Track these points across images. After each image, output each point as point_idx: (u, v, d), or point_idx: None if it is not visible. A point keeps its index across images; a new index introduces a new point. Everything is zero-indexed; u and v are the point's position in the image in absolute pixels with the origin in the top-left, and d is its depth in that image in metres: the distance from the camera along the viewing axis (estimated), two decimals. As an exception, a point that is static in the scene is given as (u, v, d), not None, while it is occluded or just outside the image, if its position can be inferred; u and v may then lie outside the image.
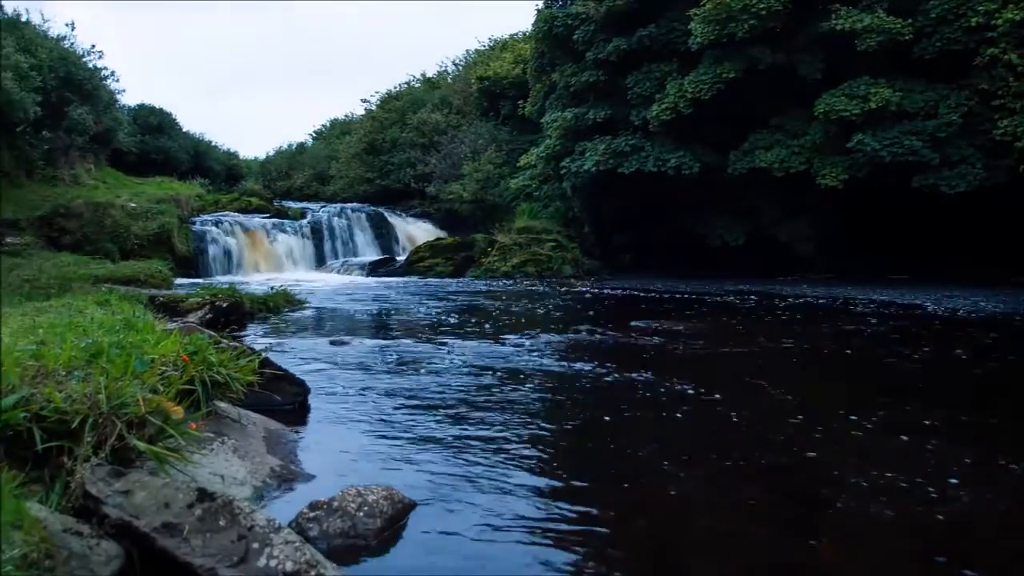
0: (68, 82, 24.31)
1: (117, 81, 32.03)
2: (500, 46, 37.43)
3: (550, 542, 3.21)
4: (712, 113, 19.97)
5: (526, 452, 4.45)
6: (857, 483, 3.95)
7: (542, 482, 3.95)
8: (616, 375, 6.87)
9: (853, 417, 5.32)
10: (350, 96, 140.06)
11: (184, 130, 44.93)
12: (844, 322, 11.26)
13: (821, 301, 14.56)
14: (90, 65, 26.25)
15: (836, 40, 18.28)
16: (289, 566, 2.57)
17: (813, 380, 7.42)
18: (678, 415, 5.41)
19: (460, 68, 41.63)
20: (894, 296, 15.24)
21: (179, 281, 17.66)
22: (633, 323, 10.74)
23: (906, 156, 17.24)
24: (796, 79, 19.25)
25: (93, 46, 27.97)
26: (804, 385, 7.02)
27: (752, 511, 3.63)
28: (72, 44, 26.20)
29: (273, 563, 2.57)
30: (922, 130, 17.46)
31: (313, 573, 2.56)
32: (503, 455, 4.37)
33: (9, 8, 25.58)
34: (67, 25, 43.23)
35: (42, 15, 47.28)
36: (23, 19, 25.36)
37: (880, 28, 17.52)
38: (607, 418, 5.35)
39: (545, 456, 4.43)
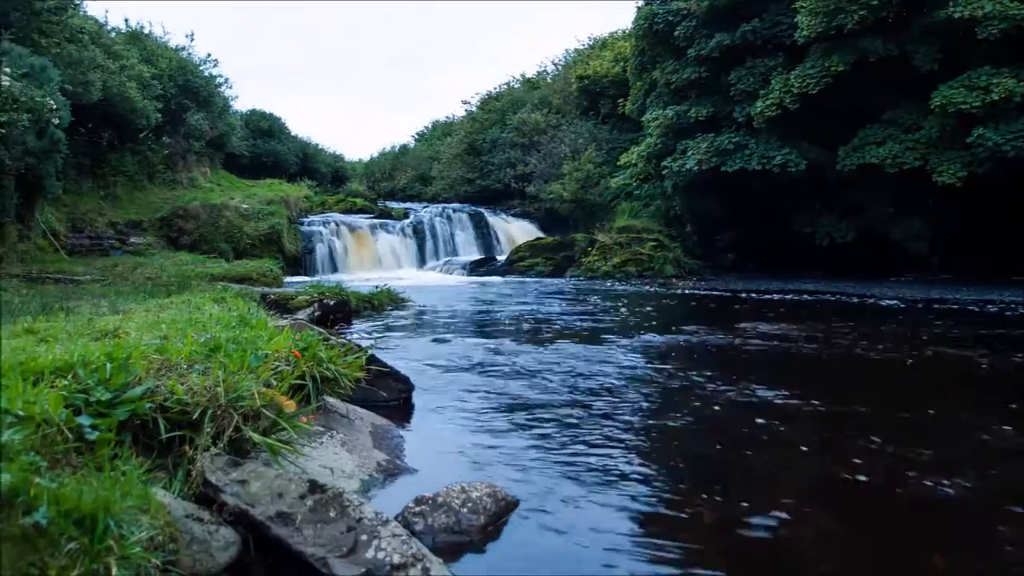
0: (186, 90, 25.52)
1: (230, 88, 33.51)
2: (600, 44, 37.28)
3: (652, 546, 3.18)
4: (819, 108, 19.37)
5: (629, 455, 4.42)
6: (984, 500, 3.77)
7: (645, 486, 3.91)
8: (721, 379, 6.74)
9: (984, 432, 5.07)
10: (451, 98, 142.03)
11: (292, 134, 46.42)
12: (974, 329, 10.74)
13: (944, 304, 13.92)
14: (206, 73, 27.45)
15: (954, 28, 17.43)
16: (396, 559, 2.62)
17: (939, 390, 7.10)
18: (788, 421, 5.26)
19: (560, 68, 41.68)
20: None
21: (288, 279, 18.31)
22: (738, 324, 10.52)
23: (1032, 150, 16.29)
24: (910, 71, 18.45)
25: (209, 55, 29.42)
26: (930, 395, 6.73)
27: (866, 524, 3.50)
28: (190, 54, 27.47)
29: (381, 555, 2.62)
30: (1050, 122, 16.46)
31: (419, 567, 2.61)
32: (606, 457, 4.35)
33: (134, 20, 27.00)
34: (187, 36, 45.51)
35: (163, 27, 49.87)
36: (146, 31, 26.74)
37: (1003, 15, 16.59)
38: (712, 422, 5.25)
39: (648, 460, 4.38)
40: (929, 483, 3.93)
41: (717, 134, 21.24)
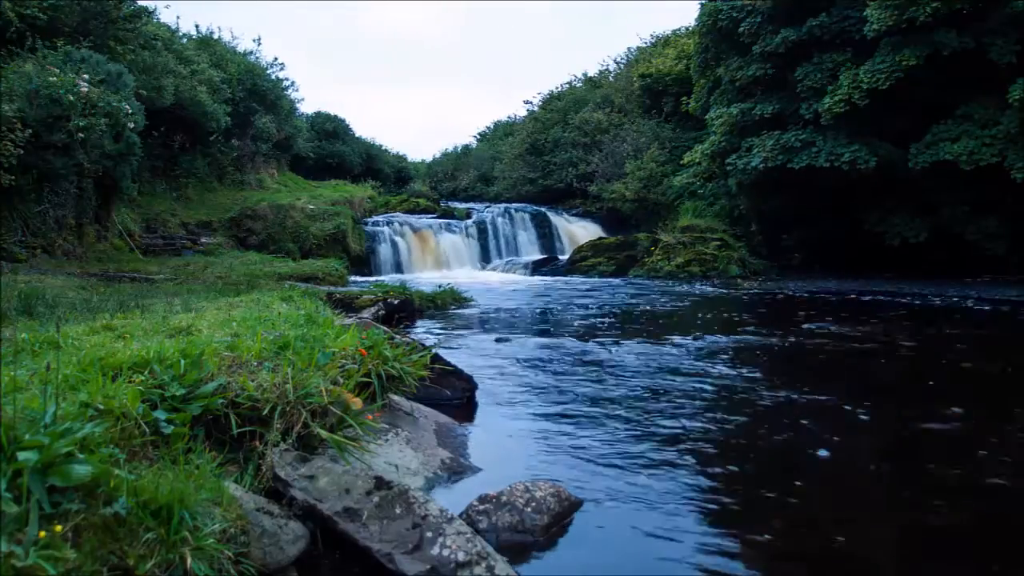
0: (254, 93, 26.08)
1: (296, 91, 34.21)
2: (662, 42, 36.85)
3: (716, 548, 3.15)
4: (890, 104, 18.83)
5: (693, 456, 4.38)
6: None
7: (709, 488, 3.87)
8: (786, 380, 6.63)
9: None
10: (513, 97, 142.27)
11: (356, 135, 47.06)
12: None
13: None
14: (273, 77, 28.00)
15: (1033, 20, 16.78)
16: (461, 556, 2.64)
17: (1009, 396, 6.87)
18: (855, 425, 5.15)
19: (622, 66, 41.27)
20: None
21: (353, 278, 18.57)
22: (804, 326, 10.32)
23: (1118, 145, 15.57)
24: (986, 64, 17.80)
25: (276, 58, 30.08)
26: (997, 401, 6.52)
27: (941, 536, 3.40)
28: (257, 58, 28.07)
29: (446, 552, 2.65)
30: None
31: (483, 565, 2.63)
32: (670, 458, 4.31)
33: (203, 27, 27.73)
34: (254, 41, 46.60)
35: (231, 32, 51.12)
36: (215, 36, 27.42)
37: (1087, 4, 15.93)
38: (777, 424, 5.17)
39: (712, 462, 4.33)
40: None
41: (783, 131, 20.82)
